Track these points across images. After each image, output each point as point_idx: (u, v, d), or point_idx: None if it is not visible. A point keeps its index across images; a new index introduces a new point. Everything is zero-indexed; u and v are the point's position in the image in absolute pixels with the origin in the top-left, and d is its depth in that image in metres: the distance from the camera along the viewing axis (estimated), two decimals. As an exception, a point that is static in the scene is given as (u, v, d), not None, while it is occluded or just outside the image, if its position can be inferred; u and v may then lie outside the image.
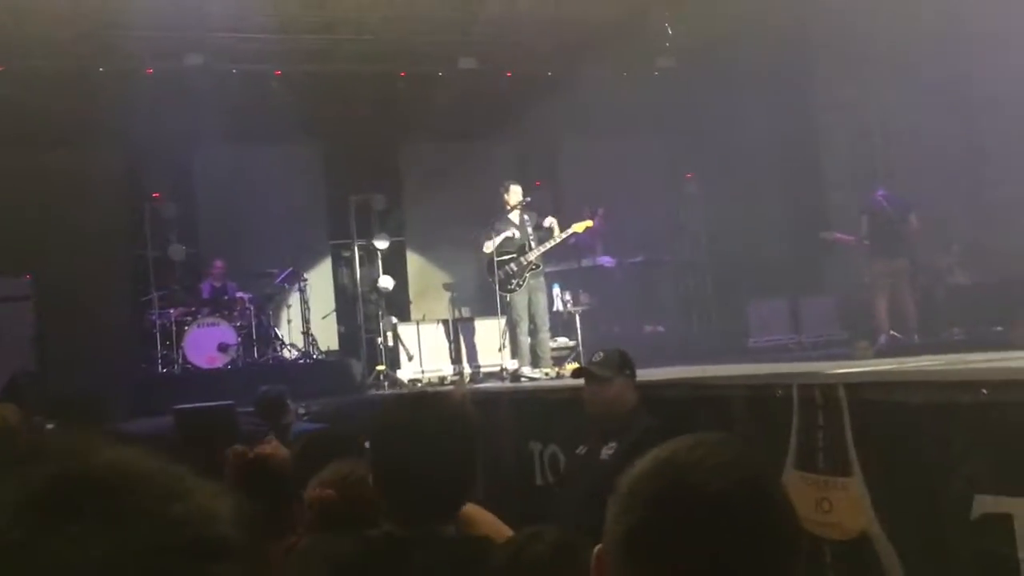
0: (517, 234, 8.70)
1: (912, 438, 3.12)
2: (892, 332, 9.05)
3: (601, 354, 4.36)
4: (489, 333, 9.61)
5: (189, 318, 10.23)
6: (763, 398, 3.76)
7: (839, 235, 9.93)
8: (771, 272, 11.98)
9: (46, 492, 0.55)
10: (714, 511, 1.10)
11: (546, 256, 8.87)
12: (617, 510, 1.16)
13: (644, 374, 4.54)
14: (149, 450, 0.63)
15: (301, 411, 7.09)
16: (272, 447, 3.20)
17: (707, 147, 12.66)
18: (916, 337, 9.00)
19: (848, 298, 10.98)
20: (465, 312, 11.08)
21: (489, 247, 8.46)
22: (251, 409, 6.71)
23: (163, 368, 10.03)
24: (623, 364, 4.28)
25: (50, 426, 4.25)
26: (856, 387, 3.34)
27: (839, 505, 3.34)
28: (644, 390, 4.28)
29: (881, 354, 7.48)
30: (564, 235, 8.84)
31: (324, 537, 2.24)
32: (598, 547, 1.18)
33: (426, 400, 2.18)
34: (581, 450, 4.35)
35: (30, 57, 10.16)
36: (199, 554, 0.54)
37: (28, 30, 9.82)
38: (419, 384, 9.60)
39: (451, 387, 8.70)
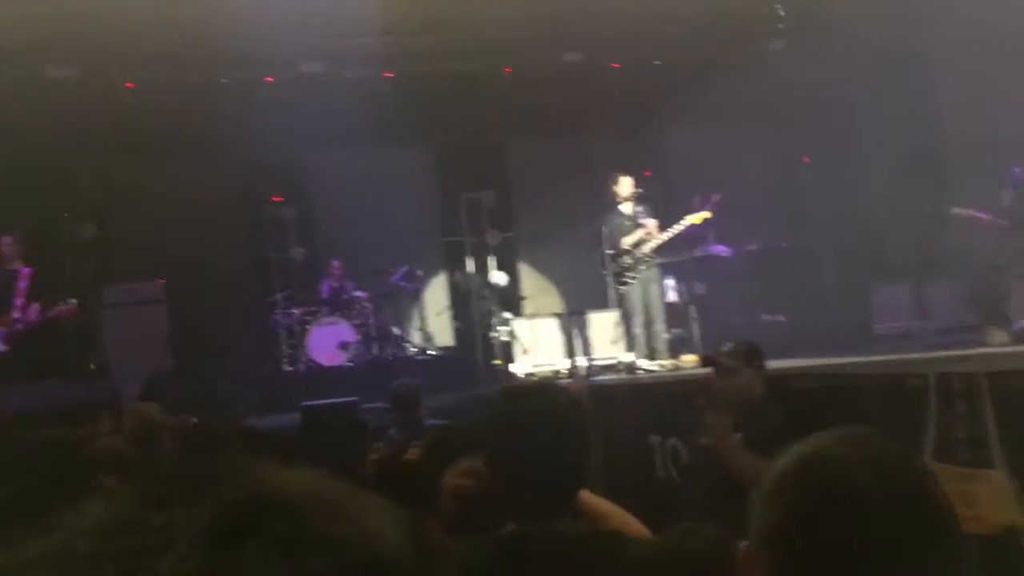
0: (629, 226, 8.66)
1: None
2: None
3: (730, 344, 4.29)
4: (603, 326, 9.56)
5: (310, 318, 10.55)
6: (897, 388, 3.62)
7: (974, 212, 9.43)
8: (895, 256, 11.51)
9: (223, 517, 0.55)
10: (864, 506, 1.07)
11: (660, 247, 8.79)
12: (762, 507, 1.14)
13: (768, 365, 4.43)
14: (313, 471, 0.63)
15: (434, 406, 7.23)
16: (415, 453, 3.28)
17: (823, 129, 12.26)
18: None
19: (979, 282, 10.44)
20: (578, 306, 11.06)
21: (617, 241, 8.48)
22: (374, 405, 6.87)
23: (288, 366, 10.37)
24: (752, 355, 4.21)
25: (194, 421, 4.48)
26: (999, 375, 3.18)
27: (982, 498, 3.19)
28: (771, 381, 4.19)
29: (1019, 340, 7.10)
30: (679, 227, 8.76)
31: (454, 540, 2.25)
32: (744, 544, 1.17)
33: (541, 391, 2.15)
34: (704, 440, 4.29)
35: (154, 71, 10.65)
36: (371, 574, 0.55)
37: (151, 45, 10.29)
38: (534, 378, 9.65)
39: (567, 380, 8.70)
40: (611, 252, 8.61)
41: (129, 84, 10.69)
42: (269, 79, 11.12)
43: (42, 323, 8.58)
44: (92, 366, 10.70)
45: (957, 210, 9.58)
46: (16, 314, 8.51)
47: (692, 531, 1.79)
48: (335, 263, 11.26)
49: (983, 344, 7.07)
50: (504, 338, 10.30)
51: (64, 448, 2.58)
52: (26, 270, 8.65)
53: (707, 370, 4.39)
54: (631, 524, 2.28)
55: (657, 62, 11.71)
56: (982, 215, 9.27)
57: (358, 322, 10.61)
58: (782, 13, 10.77)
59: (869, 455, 1.10)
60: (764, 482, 1.16)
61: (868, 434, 1.16)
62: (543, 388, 2.18)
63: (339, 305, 10.84)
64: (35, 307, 8.55)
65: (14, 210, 9.59)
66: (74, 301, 9.04)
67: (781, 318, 11.34)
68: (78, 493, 2.17)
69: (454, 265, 12.50)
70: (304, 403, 8.13)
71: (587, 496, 2.29)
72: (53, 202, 10.91)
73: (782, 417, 3.98)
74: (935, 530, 1.08)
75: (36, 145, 9.97)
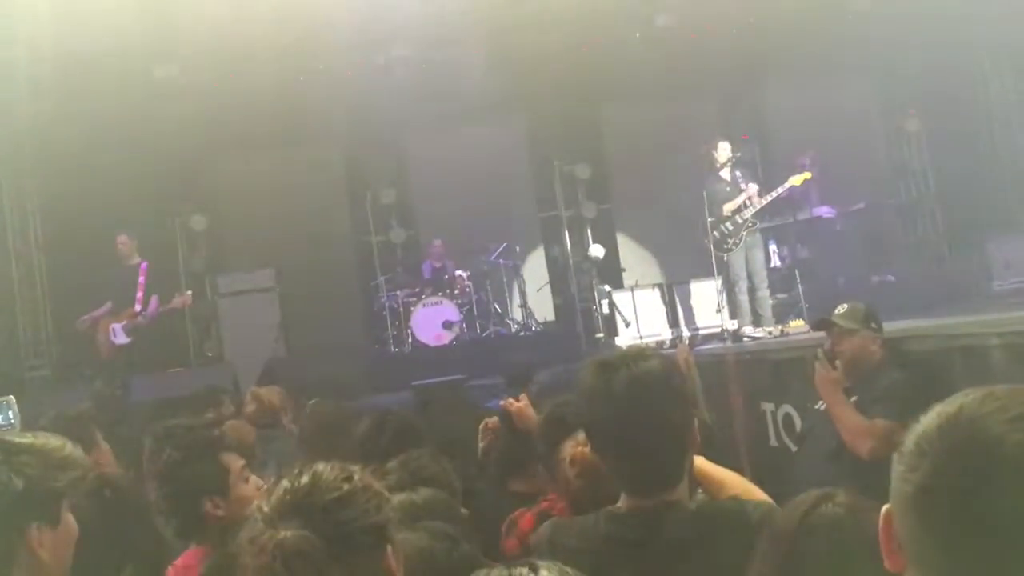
0: (730, 192, 8.52)
1: None
2: None
3: (845, 306, 4.22)
4: (706, 295, 9.45)
5: (414, 299, 10.73)
6: (1020, 347, 3.48)
7: None
8: (1010, 206, 10.99)
9: None
10: (1016, 464, 1.04)
11: (761, 211, 8.63)
12: (904, 468, 1.12)
13: (885, 327, 4.32)
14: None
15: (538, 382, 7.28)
16: (524, 403, 3.38)
17: (924, 81, 11.76)
18: None
19: None
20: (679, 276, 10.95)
21: (718, 207, 8.38)
22: (481, 382, 6.96)
23: (395, 347, 10.59)
24: (868, 316, 4.13)
25: (312, 401, 4.64)
26: None
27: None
28: (890, 344, 4.08)
29: None
30: (781, 189, 8.59)
31: (572, 519, 2.25)
32: (886, 507, 1.15)
33: (623, 363, 2.01)
34: (820, 405, 4.21)
35: (253, 65, 10.92)
36: None
37: (249, 40, 10.54)
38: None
39: (672, 351, 8.64)
40: (712, 219, 8.48)
41: (231, 75, 11.00)
42: (357, 67, 11.28)
43: (162, 315, 8.98)
44: (209, 353, 11.15)
45: None
46: (138, 307, 8.93)
47: (825, 496, 1.76)
48: (436, 242, 11.42)
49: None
50: (605, 311, 10.28)
51: (196, 431, 2.72)
52: (143, 264, 9.05)
53: (818, 335, 4.31)
54: (752, 490, 2.25)
55: (750, 19, 11.40)
56: None
57: (460, 301, 10.75)
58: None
59: (1018, 412, 1.07)
60: (905, 443, 1.14)
61: (1015, 391, 1.13)
62: (629, 357, 2.07)
63: (441, 285, 11.00)
64: (154, 300, 8.95)
65: (128, 208, 10.03)
66: (189, 292, 9.43)
67: (891, 278, 10.98)
68: (207, 473, 2.29)
69: (552, 240, 12.52)
70: (413, 382, 8.30)
71: (703, 463, 2.25)
72: (165, 197, 11.35)
73: (900, 380, 3.89)
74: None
75: (146, 143, 10.37)
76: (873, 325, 4.09)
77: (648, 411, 1.96)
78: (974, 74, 11.64)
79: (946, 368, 3.94)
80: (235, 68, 10.90)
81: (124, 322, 8.94)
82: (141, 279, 8.97)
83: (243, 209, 11.77)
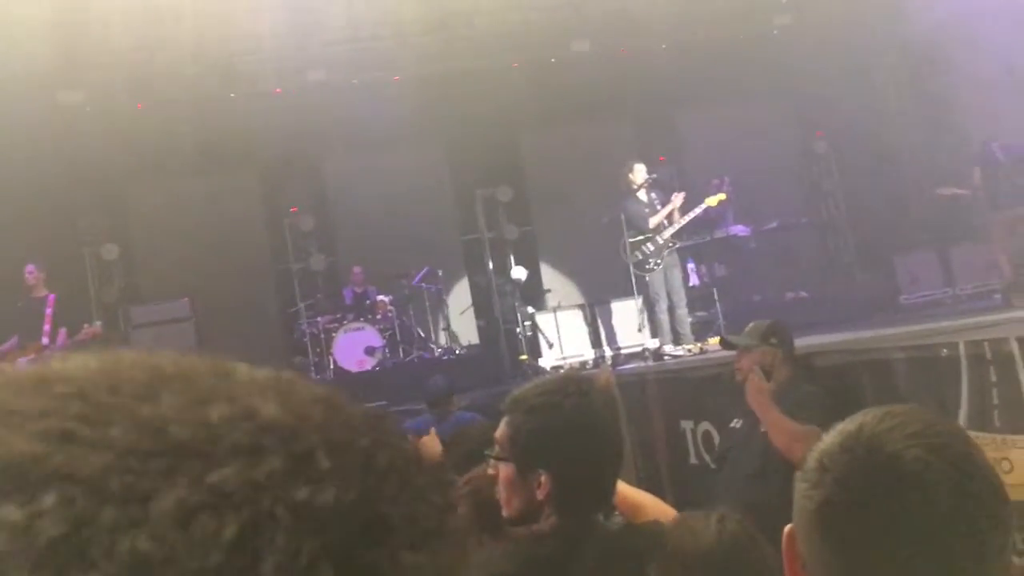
0: (648, 213, 8.66)
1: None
2: None
3: (751, 324, 4.31)
4: (627, 314, 9.56)
5: (335, 325, 10.60)
6: (928, 358, 3.60)
7: (955, 190, 9.74)
8: (916, 224, 11.42)
9: None
10: (915, 479, 1.07)
11: (679, 231, 8.78)
12: (806, 485, 1.14)
13: (799, 343, 4.42)
14: None
15: (464, 404, 7.25)
16: (430, 439, 3.34)
17: (833, 104, 12.18)
18: None
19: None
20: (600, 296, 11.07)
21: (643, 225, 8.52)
22: (404, 408, 6.89)
23: (316, 375, 10.43)
24: (769, 332, 4.20)
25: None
26: (1030, 339, 3.16)
27: (1021, 464, 3.17)
28: (803, 359, 4.17)
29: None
30: (697, 211, 8.76)
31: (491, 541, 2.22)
32: (789, 526, 1.17)
33: (569, 384, 2.04)
34: (736, 423, 4.27)
35: (162, 90, 10.73)
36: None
37: (159, 66, 10.38)
38: (561, 371, 9.65)
39: (595, 371, 8.70)
40: (632, 240, 8.60)
41: (139, 105, 10.78)
42: (277, 91, 11.17)
43: (70, 348, 8.67)
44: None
45: (941, 190, 9.90)
46: (45, 340, 8.61)
47: (719, 517, 1.78)
48: (356, 269, 11.31)
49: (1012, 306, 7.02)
50: (528, 333, 10.31)
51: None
52: (51, 297, 8.75)
53: (733, 353, 4.39)
54: (668, 513, 2.26)
55: (664, 46, 11.66)
56: (961, 191, 9.56)
57: (383, 326, 10.66)
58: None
59: (915, 429, 1.10)
60: (808, 461, 1.16)
61: (912, 408, 1.16)
62: (570, 379, 2.09)
63: (363, 310, 10.89)
64: (62, 333, 8.65)
65: (36, 238, 9.70)
66: (99, 323, 9.14)
67: (804, 294, 11.29)
68: None
69: (474, 263, 12.53)
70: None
71: (622, 487, 2.25)
72: (75, 227, 11.01)
73: (814, 392, 3.97)
74: (984, 502, 1.08)
75: (52, 171, 10.06)
76: (773, 340, 4.16)
77: (590, 429, 1.98)
78: (879, 97, 12.07)
79: (855, 381, 4.04)
80: (147, 94, 10.69)
81: (31, 356, 8.61)
82: (48, 311, 8.67)
83: (158, 238, 11.49)
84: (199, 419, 0.39)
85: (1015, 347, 3.19)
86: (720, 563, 1.69)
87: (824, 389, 3.98)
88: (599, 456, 2.00)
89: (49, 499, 0.35)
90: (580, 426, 1.97)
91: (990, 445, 3.26)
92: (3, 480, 0.35)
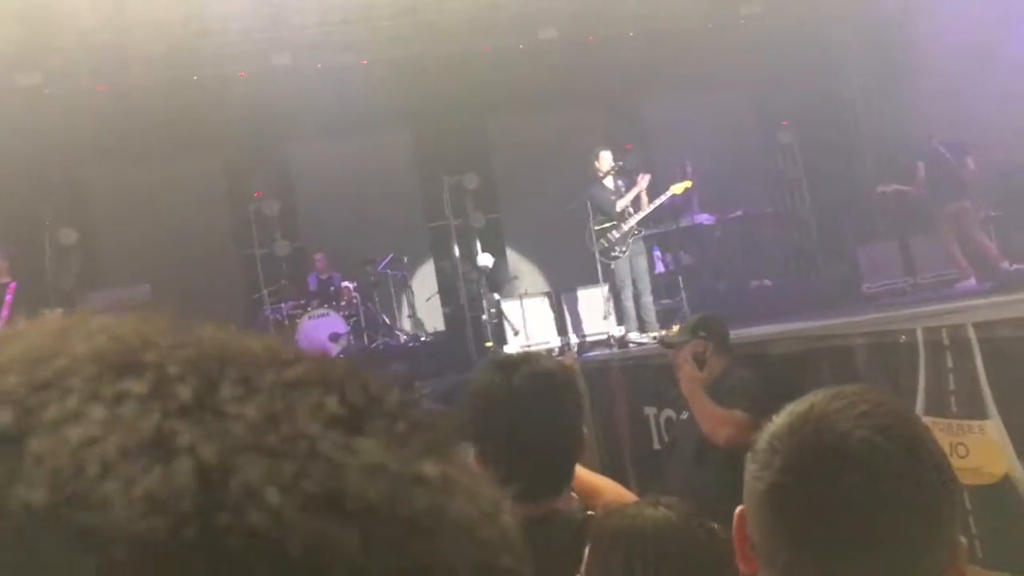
0: (615, 200, 8.67)
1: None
2: (1006, 265, 8.84)
3: (685, 320, 4.41)
4: (593, 301, 9.58)
5: (300, 311, 10.52)
6: (886, 345, 3.64)
7: (897, 186, 9.94)
8: (877, 214, 11.55)
9: None
10: (861, 459, 1.07)
11: (645, 218, 8.81)
12: (756, 467, 1.14)
13: (756, 331, 4.45)
14: None
15: (426, 391, 7.24)
16: None
17: (799, 94, 12.27)
18: (1011, 265, 8.81)
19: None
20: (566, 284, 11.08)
21: (611, 211, 8.52)
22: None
23: (280, 361, 10.33)
24: (698, 326, 4.25)
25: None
26: (987, 325, 3.19)
27: (976, 449, 3.21)
28: (757, 347, 4.21)
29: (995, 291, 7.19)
30: (663, 198, 8.79)
31: None
32: (739, 508, 1.17)
33: (523, 362, 1.96)
34: (684, 415, 4.34)
35: (126, 73, 10.55)
36: None
37: (122, 48, 10.19)
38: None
39: (560, 357, 8.71)
40: (598, 228, 8.61)
41: (100, 87, 10.59)
42: (241, 74, 11.02)
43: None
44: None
45: (882, 187, 10.15)
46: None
47: (652, 502, 1.78)
48: (318, 256, 11.23)
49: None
50: (494, 320, 10.30)
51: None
52: (12, 284, 8.59)
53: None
54: (626, 496, 2.25)
55: (631, 33, 11.66)
56: (906, 187, 9.77)
57: (347, 312, 10.59)
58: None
59: (864, 410, 1.10)
60: (758, 442, 1.15)
61: (862, 389, 1.16)
62: (529, 358, 2.02)
63: (328, 296, 10.82)
64: (21, 320, 8.48)
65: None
66: (59, 310, 8.97)
67: (768, 283, 11.38)
68: None
69: (440, 250, 12.48)
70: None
71: (580, 471, 2.18)
72: (33, 212, 10.81)
73: (747, 378, 4.01)
74: (933, 483, 1.08)
75: (9, 155, 9.86)
76: (702, 333, 4.21)
77: (548, 410, 1.90)
78: (844, 88, 12.18)
79: (813, 368, 4.08)
80: (109, 76, 10.51)
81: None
82: (9, 297, 8.50)
83: (117, 222, 11.32)
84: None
85: (971, 333, 3.22)
86: (652, 544, 1.68)
87: (763, 374, 4.03)
88: (551, 438, 1.91)
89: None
90: (527, 406, 1.88)
91: (946, 430, 3.30)
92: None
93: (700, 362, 4.05)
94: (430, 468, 0.35)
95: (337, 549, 0.31)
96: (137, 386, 0.34)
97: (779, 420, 1.16)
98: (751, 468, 1.14)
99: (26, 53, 9.78)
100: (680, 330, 4.35)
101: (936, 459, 1.11)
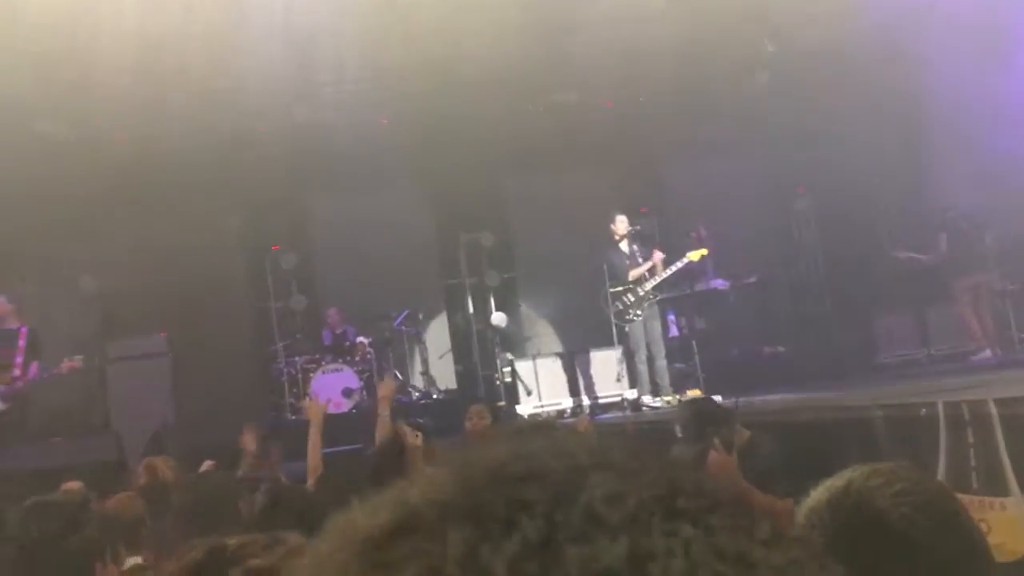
0: (629, 264, 8.73)
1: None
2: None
3: (679, 418, 4.24)
4: (606, 364, 9.57)
5: (313, 365, 10.53)
6: (906, 418, 3.63)
7: (912, 254, 9.95)
8: (894, 284, 11.55)
9: None
10: (900, 539, 1.08)
11: (660, 283, 8.85)
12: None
13: (770, 399, 4.44)
14: None
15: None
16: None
17: (815, 160, 12.36)
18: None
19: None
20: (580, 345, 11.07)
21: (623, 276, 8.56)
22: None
23: (291, 415, 10.33)
24: (701, 430, 4.06)
25: (196, 473, 4.45)
26: (1008, 401, 3.19)
27: (999, 526, 3.18)
28: (781, 415, 4.19)
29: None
30: (678, 264, 8.84)
31: None
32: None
33: (546, 429, 2.06)
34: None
35: (148, 124, 10.73)
36: None
37: (144, 98, 10.37)
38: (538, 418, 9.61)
39: (573, 420, 8.68)
40: (613, 290, 8.65)
41: (122, 137, 10.76)
42: (262, 129, 11.20)
43: (45, 381, 8.55)
44: (94, 421, 10.64)
45: (898, 253, 10.14)
46: (16, 372, 8.49)
47: None
48: (331, 312, 11.27)
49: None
50: (507, 379, 10.29)
51: (79, 508, 2.56)
52: (24, 329, 8.64)
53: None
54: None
55: (643, 99, 11.83)
56: (920, 255, 9.78)
57: (361, 368, 10.59)
58: (770, 49, 10.90)
59: (902, 487, 1.12)
60: (795, 517, 1.17)
61: (898, 466, 1.17)
62: (547, 426, 2.07)
63: (342, 351, 10.83)
64: (35, 366, 8.53)
65: (11, 268, 9.61)
66: (79, 357, 9.02)
67: (781, 349, 11.35)
68: (97, 551, 2.11)
69: (455, 307, 12.51)
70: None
71: None
72: (53, 258, 10.92)
73: (771, 459, 3.95)
74: (971, 559, 1.09)
75: (30, 202, 9.99)
76: (709, 429, 4.11)
77: None
78: (861, 156, 12.25)
79: (833, 439, 4.05)
80: (130, 127, 10.69)
81: (0, 388, 8.47)
82: (22, 343, 8.55)
83: (137, 271, 11.40)
84: None
85: (993, 409, 3.22)
86: None
87: (786, 445, 3.98)
88: None
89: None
90: None
91: (968, 506, 3.27)
92: None
93: (728, 445, 3.93)
94: None
95: None
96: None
97: (816, 495, 1.17)
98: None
99: (48, 101, 9.97)
100: (683, 428, 4.12)
101: (974, 537, 1.12)
